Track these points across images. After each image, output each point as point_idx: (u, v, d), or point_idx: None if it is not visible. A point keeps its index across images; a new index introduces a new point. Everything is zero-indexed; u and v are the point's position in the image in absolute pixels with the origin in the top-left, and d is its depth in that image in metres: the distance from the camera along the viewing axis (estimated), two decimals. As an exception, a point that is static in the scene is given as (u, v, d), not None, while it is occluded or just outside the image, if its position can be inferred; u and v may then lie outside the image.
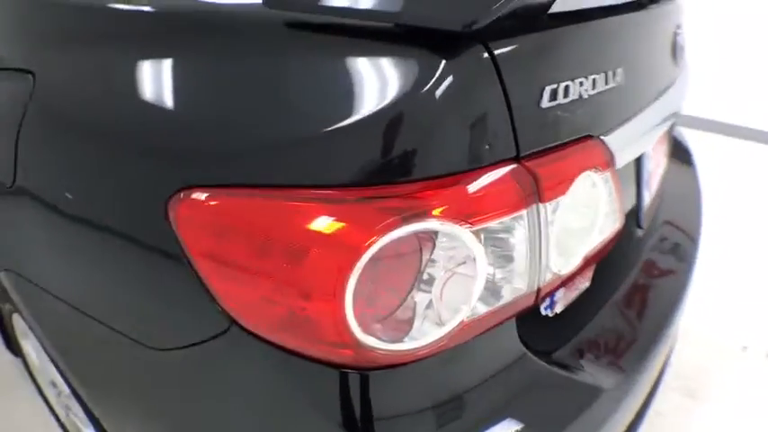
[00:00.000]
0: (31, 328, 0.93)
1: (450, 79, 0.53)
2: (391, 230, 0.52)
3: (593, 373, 0.73)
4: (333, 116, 0.52)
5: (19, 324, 1.14)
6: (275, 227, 0.53)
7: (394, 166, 0.53)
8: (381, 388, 0.58)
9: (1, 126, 0.75)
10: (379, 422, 0.57)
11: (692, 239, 1.12)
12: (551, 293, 0.69)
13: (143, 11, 0.66)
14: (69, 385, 0.94)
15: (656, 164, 1.08)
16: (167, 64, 0.62)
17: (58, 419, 1.28)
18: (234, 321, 0.58)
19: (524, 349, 0.67)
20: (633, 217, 0.98)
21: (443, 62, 0.53)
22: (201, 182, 0.57)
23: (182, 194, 0.57)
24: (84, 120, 0.66)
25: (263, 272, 0.55)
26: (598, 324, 0.81)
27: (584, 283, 0.77)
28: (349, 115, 0.52)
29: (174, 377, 0.67)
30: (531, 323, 0.69)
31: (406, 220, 0.52)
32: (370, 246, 0.52)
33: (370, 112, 0.52)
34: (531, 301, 0.64)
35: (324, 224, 0.52)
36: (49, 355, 0.93)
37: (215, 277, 0.57)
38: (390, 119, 0.52)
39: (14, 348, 1.33)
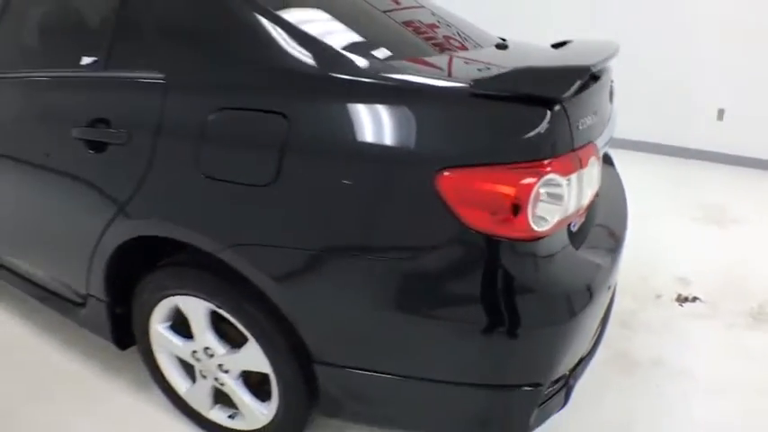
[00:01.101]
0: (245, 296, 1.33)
1: (554, 115, 1.09)
2: (540, 179, 1.07)
3: (595, 257, 1.35)
4: (518, 135, 1.09)
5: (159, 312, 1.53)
6: (496, 181, 1.07)
7: (545, 153, 1.09)
8: (540, 244, 1.13)
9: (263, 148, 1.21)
10: (540, 259, 1.15)
11: (623, 203, 1.82)
12: (575, 218, 1.28)
13: (382, 84, 1.18)
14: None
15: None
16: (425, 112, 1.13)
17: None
18: (470, 229, 1.09)
19: (568, 242, 1.26)
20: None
21: (549, 109, 1.09)
22: (451, 165, 1.08)
23: (444, 172, 1.08)
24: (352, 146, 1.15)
25: (488, 201, 1.08)
26: (591, 236, 1.44)
27: (582, 218, 1.38)
28: (524, 134, 1.08)
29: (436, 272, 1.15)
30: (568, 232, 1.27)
31: (547, 174, 1.08)
32: (533, 186, 1.06)
33: (534, 132, 1.08)
34: (572, 219, 1.23)
35: (522, 178, 1.07)
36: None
37: (468, 213, 1.08)
38: (538, 134, 1.08)
39: (128, 342, 1.69)
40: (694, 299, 2.48)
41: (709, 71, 4.23)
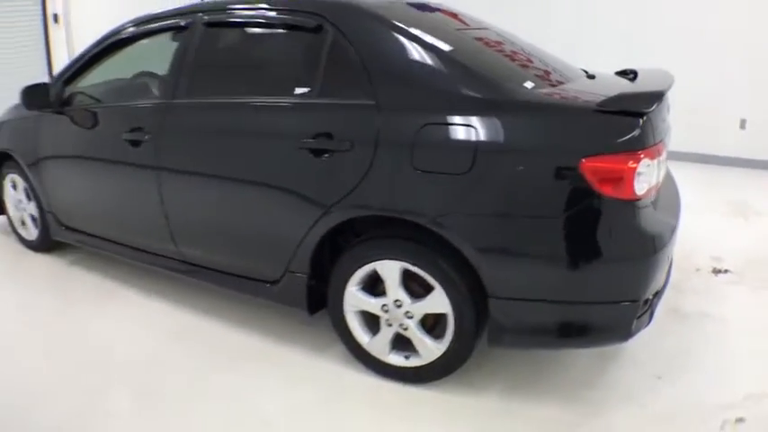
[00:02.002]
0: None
1: (644, 123, 1.74)
2: (639, 162, 1.71)
3: (665, 217, 1.98)
4: (625, 135, 1.74)
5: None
6: (615, 163, 1.71)
7: (641, 145, 1.73)
8: (639, 203, 1.78)
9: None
10: (640, 211, 1.80)
11: (676, 191, 2.46)
12: (654, 190, 1.89)
13: (540, 103, 1.88)
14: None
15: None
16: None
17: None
18: (601, 195, 1.72)
19: (651, 206, 1.88)
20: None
21: (641, 118, 1.74)
22: (592, 153, 1.71)
23: (584, 160, 1.71)
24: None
25: (610, 177, 1.70)
26: (660, 207, 2.03)
27: (656, 193, 1.98)
28: (628, 134, 1.74)
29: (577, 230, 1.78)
30: None
31: (642, 159, 1.72)
32: (636, 166, 1.70)
33: (634, 133, 1.73)
34: (654, 190, 1.87)
35: (629, 161, 1.71)
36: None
37: (599, 185, 1.70)
38: (636, 134, 1.72)
39: (316, 308, 2.24)
40: (726, 271, 3.12)
41: (732, 86, 4.92)
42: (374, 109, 1.98)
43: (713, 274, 3.10)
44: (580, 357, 2.35)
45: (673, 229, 2.02)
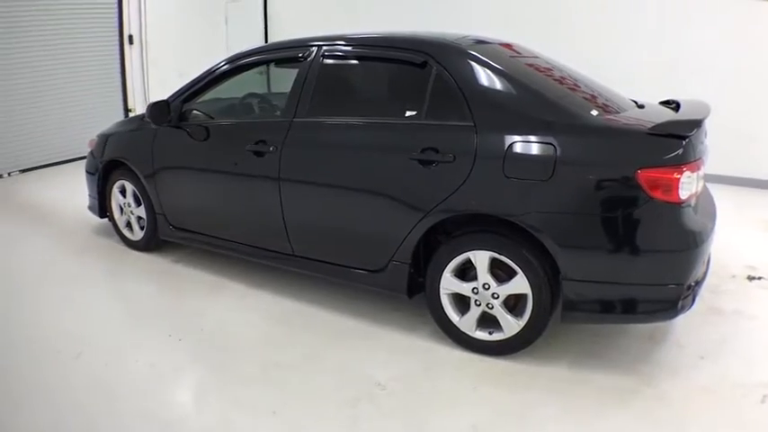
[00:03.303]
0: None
1: (687, 143, 2.27)
2: (683, 174, 2.24)
3: (704, 220, 2.50)
4: (671, 152, 2.28)
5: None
6: (664, 174, 2.24)
7: (684, 160, 2.26)
8: (684, 206, 2.31)
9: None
10: (684, 213, 2.34)
11: (713, 202, 2.94)
12: (695, 197, 2.41)
13: (604, 127, 2.46)
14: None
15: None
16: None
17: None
18: (653, 198, 2.24)
19: (693, 210, 2.40)
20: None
21: (684, 140, 2.27)
22: (646, 166, 2.24)
23: (639, 171, 2.23)
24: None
25: (661, 184, 2.22)
26: (700, 212, 2.53)
27: (696, 200, 2.47)
28: (674, 152, 2.27)
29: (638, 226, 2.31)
30: None
31: (685, 171, 2.25)
32: (681, 177, 2.23)
33: (678, 151, 2.27)
34: (694, 196, 2.38)
35: (675, 173, 2.24)
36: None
37: (651, 190, 2.23)
38: (680, 152, 2.26)
39: (414, 292, 2.76)
40: (760, 278, 3.57)
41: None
42: (473, 129, 2.55)
43: (747, 280, 3.55)
44: (634, 340, 2.82)
45: (710, 230, 2.52)
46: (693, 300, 2.46)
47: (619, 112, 2.68)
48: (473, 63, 2.67)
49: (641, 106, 2.95)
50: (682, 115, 2.70)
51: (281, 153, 3.03)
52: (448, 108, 2.64)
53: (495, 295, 2.58)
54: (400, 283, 2.79)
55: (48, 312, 3.23)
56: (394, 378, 2.55)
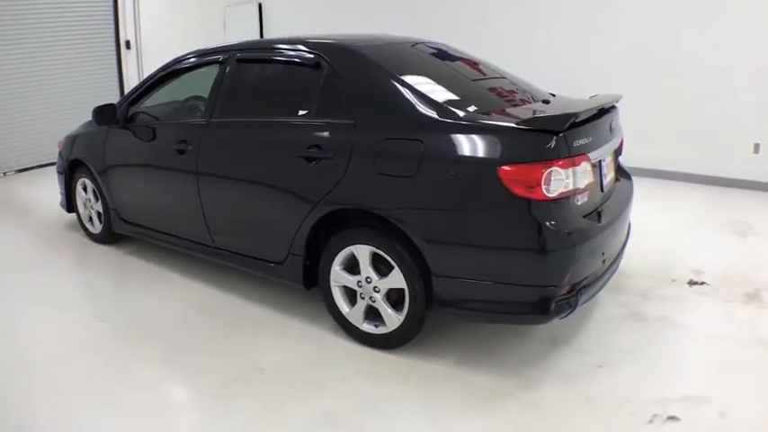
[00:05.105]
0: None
1: (557, 139, 2.27)
2: (546, 170, 2.26)
3: (591, 221, 2.49)
4: (538, 148, 2.30)
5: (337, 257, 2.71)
6: (527, 171, 2.25)
7: (550, 157, 2.27)
8: (551, 204, 2.30)
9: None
10: (552, 211, 2.31)
11: (628, 202, 2.93)
12: (575, 194, 2.40)
13: (470, 125, 2.48)
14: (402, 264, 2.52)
15: (608, 169, 2.86)
16: None
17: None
18: (517, 197, 2.26)
19: (574, 209, 2.40)
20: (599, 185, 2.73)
21: (555, 135, 2.28)
22: (508, 162, 2.27)
23: (500, 167, 2.27)
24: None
25: (523, 181, 2.25)
26: (594, 213, 2.56)
27: (585, 197, 2.48)
28: (541, 147, 2.29)
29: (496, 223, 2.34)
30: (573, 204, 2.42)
31: (551, 168, 2.26)
32: (543, 173, 2.24)
33: (545, 147, 2.28)
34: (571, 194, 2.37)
35: (539, 169, 2.25)
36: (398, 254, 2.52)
37: (514, 187, 2.25)
38: (547, 148, 2.27)
39: (310, 284, 2.89)
40: (702, 283, 3.46)
41: (746, 110, 5.19)
42: (352, 126, 2.66)
43: (688, 285, 3.45)
44: (532, 341, 2.84)
45: (605, 227, 2.52)
46: (576, 303, 2.44)
47: (519, 107, 2.72)
48: (359, 63, 2.79)
49: (547, 101, 2.96)
50: (555, 109, 2.69)
51: (198, 151, 3.27)
52: (333, 107, 2.78)
53: (377, 289, 2.68)
54: (297, 275, 2.94)
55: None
56: (276, 364, 2.70)
